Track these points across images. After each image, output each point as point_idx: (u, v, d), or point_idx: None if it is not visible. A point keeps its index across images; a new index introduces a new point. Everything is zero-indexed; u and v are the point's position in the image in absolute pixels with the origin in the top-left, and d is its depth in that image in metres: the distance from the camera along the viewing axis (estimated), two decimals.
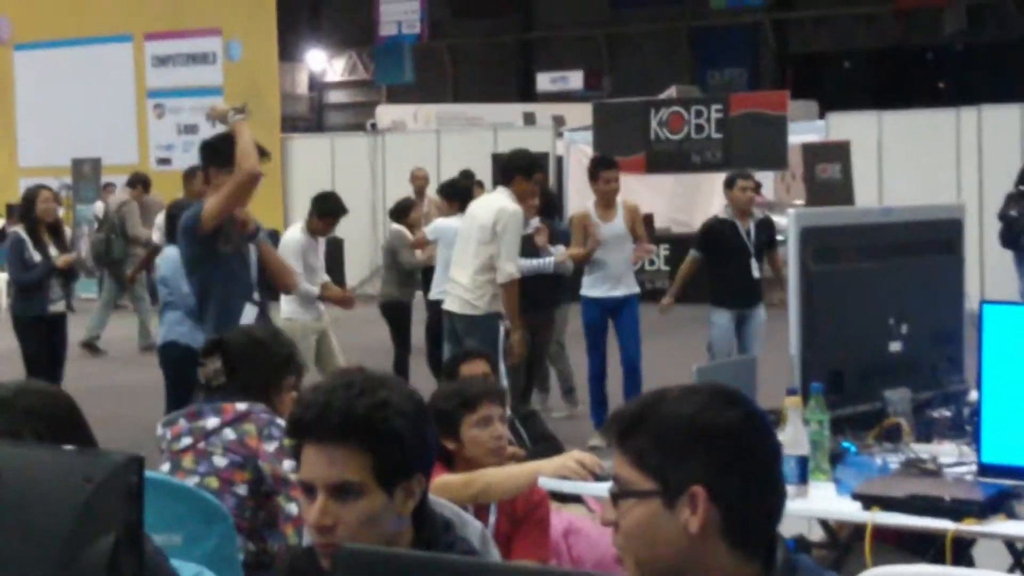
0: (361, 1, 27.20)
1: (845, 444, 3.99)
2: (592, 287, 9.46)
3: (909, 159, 17.38)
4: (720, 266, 9.25)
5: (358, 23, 31.04)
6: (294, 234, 9.27)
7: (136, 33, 23.57)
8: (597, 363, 9.49)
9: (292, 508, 3.85)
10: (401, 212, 11.61)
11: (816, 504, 3.75)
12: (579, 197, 16.60)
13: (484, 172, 15.84)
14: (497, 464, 4.14)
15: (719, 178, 18.69)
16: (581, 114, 22.18)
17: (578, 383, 10.30)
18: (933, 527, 3.51)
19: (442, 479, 3.87)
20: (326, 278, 9.38)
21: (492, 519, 4.12)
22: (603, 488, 2.73)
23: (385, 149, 21.75)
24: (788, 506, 2.10)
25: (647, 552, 2.02)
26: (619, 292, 9.41)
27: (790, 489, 3.59)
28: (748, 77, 32.37)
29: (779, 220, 9.40)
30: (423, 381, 9.46)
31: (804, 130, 18.22)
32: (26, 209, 9.74)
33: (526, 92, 33.24)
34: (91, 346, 14.71)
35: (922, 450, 4.04)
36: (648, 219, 16.82)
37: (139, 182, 15.85)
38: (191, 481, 3.90)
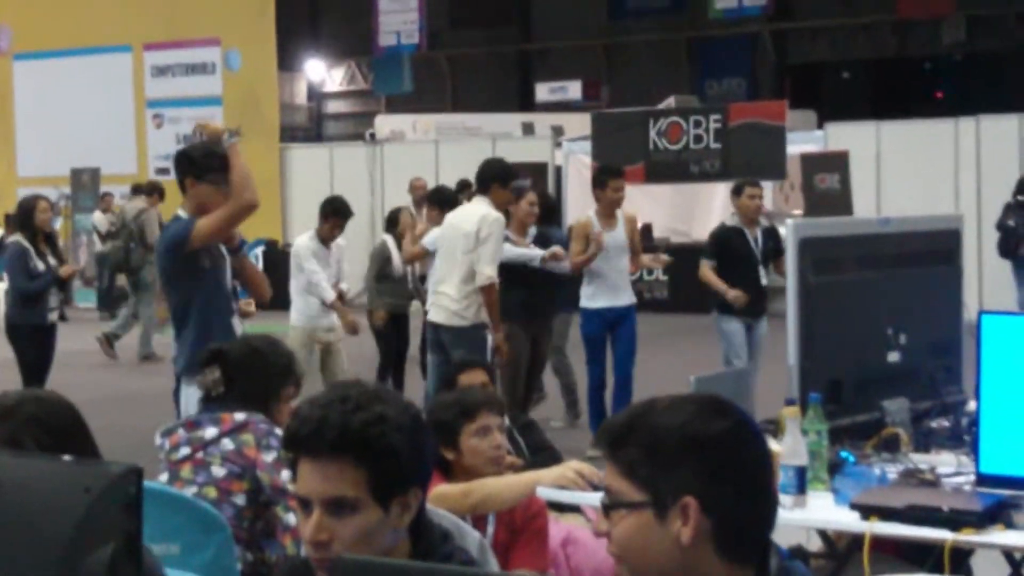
0: (360, 11, 27.21)
1: (843, 454, 3.99)
2: (592, 299, 9.37)
3: (907, 169, 17.39)
4: (729, 274, 9.19)
5: (357, 33, 31.01)
6: (304, 240, 9.31)
7: (135, 43, 23.61)
8: (597, 375, 9.45)
9: (290, 518, 3.85)
10: (391, 222, 11.50)
11: (814, 514, 3.74)
12: (578, 207, 16.63)
13: None
14: (496, 474, 4.14)
15: (718, 188, 18.84)
16: (580, 124, 22.17)
17: (578, 394, 10.30)
18: (931, 537, 3.52)
19: (440, 489, 3.87)
20: (344, 287, 9.38)
21: (490, 529, 4.11)
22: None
23: (384, 159, 21.76)
24: (786, 516, 2.10)
25: (640, 562, 2.02)
26: (620, 303, 9.37)
27: (788, 499, 3.61)
28: (747, 87, 32.37)
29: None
30: (415, 391, 9.49)
31: (803, 140, 18.24)
32: (25, 219, 9.75)
33: (525, 102, 33.22)
34: (109, 342, 14.92)
35: (920, 460, 4.04)
36: (647, 229, 16.84)
37: (155, 190, 15.88)
38: (189, 491, 3.89)
